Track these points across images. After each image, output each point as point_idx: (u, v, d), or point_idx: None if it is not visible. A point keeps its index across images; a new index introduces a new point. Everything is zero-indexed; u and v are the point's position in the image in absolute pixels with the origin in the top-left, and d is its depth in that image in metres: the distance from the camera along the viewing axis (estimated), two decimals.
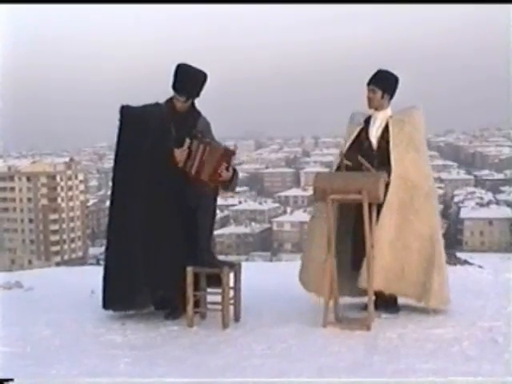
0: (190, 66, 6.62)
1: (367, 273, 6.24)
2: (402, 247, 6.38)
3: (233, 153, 6.68)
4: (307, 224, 7.24)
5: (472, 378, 4.89)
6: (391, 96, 6.67)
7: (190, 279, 6.37)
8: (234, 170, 6.72)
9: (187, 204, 6.56)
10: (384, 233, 6.36)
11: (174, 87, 6.62)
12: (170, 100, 6.70)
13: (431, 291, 6.47)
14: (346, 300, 6.76)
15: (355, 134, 6.67)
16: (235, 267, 6.61)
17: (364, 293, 6.51)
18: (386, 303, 6.58)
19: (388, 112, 6.65)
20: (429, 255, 6.45)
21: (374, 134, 6.62)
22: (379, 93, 6.59)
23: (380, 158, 6.48)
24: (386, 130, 6.57)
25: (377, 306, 6.45)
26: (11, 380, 4.89)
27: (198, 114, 6.80)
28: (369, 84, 6.63)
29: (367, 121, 6.70)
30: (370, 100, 6.65)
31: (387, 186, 6.32)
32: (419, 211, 6.42)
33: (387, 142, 6.50)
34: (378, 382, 4.94)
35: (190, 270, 6.37)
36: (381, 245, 6.34)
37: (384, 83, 6.61)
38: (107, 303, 6.71)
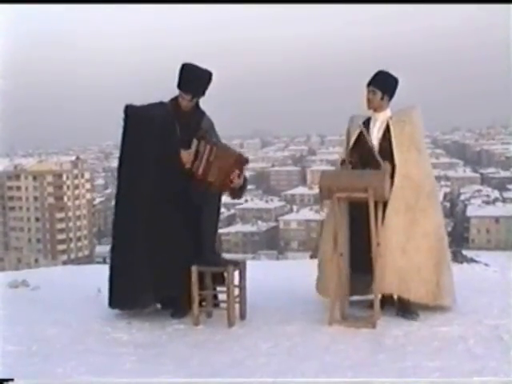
0: (195, 65, 6.63)
1: (376, 272, 6.24)
2: (414, 249, 6.35)
3: (246, 160, 6.69)
4: (321, 231, 7.19)
5: (477, 378, 4.89)
6: (391, 97, 6.66)
7: (194, 278, 6.38)
8: (245, 178, 6.73)
9: (192, 203, 6.57)
10: (393, 236, 6.33)
11: (180, 86, 6.64)
12: (175, 99, 6.72)
13: (444, 289, 6.48)
14: (351, 298, 6.74)
15: (355, 136, 6.66)
16: (240, 265, 6.62)
17: (361, 292, 6.63)
18: (404, 309, 6.53)
19: (388, 113, 6.64)
20: (437, 253, 6.45)
21: (376, 136, 6.61)
22: (379, 94, 6.58)
23: (382, 159, 6.47)
24: (386, 130, 6.56)
25: (383, 305, 6.46)
26: (11, 380, 4.90)
27: (202, 113, 6.81)
28: (369, 85, 6.62)
29: (367, 123, 6.69)
30: (369, 101, 6.64)
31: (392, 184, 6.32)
32: (425, 210, 6.41)
33: (389, 143, 6.50)
34: (383, 381, 4.94)
35: (194, 269, 6.38)
36: (391, 249, 6.31)
37: (384, 84, 6.59)
38: (114, 302, 6.71)
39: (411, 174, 6.41)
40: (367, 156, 6.53)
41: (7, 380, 4.90)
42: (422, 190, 6.43)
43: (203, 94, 6.73)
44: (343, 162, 6.66)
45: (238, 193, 6.77)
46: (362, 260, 6.42)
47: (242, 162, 6.62)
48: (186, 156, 6.54)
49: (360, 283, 6.60)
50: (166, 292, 6.60)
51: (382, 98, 6.59)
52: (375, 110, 6.65)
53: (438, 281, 6.42)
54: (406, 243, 6.35)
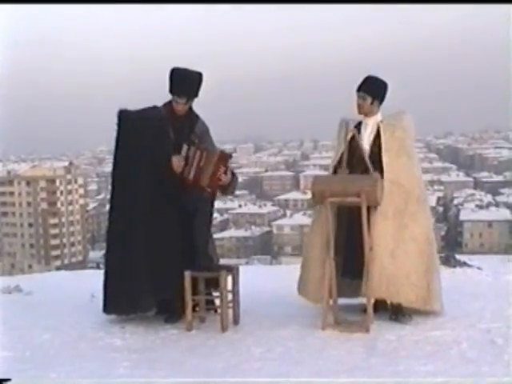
0: (184, 69, 6.66)
1: (366, 276, 6.25)
2: (403, 254, 6.35)
3: (229, 156, 6.70)
4: (307, 232, 7.20)
5: (470, 378, 4.90)
6: (381, 101, 6.68)
7: (187, 283, 6.38)
8: (233, 174, 6.74)
9: (184, 208, 6.57)
10: (381, 240, 6.34)
11: (172, 91, 6.64)
12: (169, 104, 6.72)
13: (434, 294, 6.48)
14: (344, 303, 6.75)
15: (348, 140, 6.67)
16: (233, 270, 6.63)
17: (353, 295, 6.66)
18: (397, 313, 6.54)
19: (378, 117, 6.65)
20: (427, 258, 6.45)
21: (367, 140, 6.62)
22: (369, 99, 6.59)
23: (373, 164, 6.48)
24: (377, 135, 6.58)
25: (376, 309, 6.47)
26: (9, 380, 4.90)
27: (197, 117, 6.82)
28: (358, 90, 6.63)
29: (358, 127, 6.71)
30: (359, 106, 6.65)
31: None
32: (414, 215, 6.42)
33: (379, 147, 6.51)
34: (377, 382, 4.95)
35: (187, 274, 6.38)
36: (379, 253, 6.32)
37: (373, 89, 6.60)
38: (109, 307, 6.69)
39: (400, 178, 6.41)
40: (359, 160, 6.55)
41: (5, 380, 4.90)
42: (411, 195, 6.44)
43: (196, 95, 6.74)
44: (335, 169, 6.67)
45: (228, 189, 6.78)
46: (351, 264, 6.44)
47: (225, 158, 6.63)
48: (176, 163, 6.54)
49: (347, 287, 6.63)
50: (162, 295, 6.60)
51: (371, 103, 6.61)
52: (366, 115, 6.66)
53: (429, 286, 6.42)
54: (395, 248, 6.36)
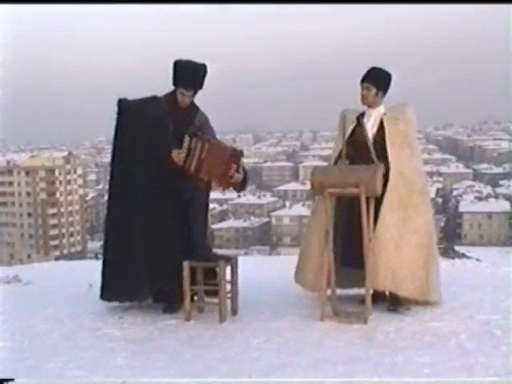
0: (189, 61, 6.62)
1: (366, 267, 6.25)
2: (405, 245, 6.35)
3: (241, 153, 6.65)
4: (306, 222, 7.20)
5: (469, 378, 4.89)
6: (385, 92, 6.66)
7: (186, 273, 6.38)
8: (245, 170, 6.72)
9: (181, 198, 6.56)
10: (387, 232, 6.34)
11: (179, 83, 6.59)
12: (171, 95, 6.69)
13: (432, 286, 6.49)
14: (343, 293, 6.76)
15: (350, 131, 6.67)
16: (231, 261, 6.62)
17: (353, 285, 6.71)
18: (396, 304, 6.53)
19: (382, 109, 6.64)
20: (427, 250, 6.46)
21: (370, 131, 6.61)
22: (373, 90, 6.58)
23: (376, 155, 6.48)
24: (380, 126, 6.57)
25: (374, 300, 6.47)
26: (11, 380, 4.89)
27: (197, 108, 6.80)
28: (362, 81, 6.62)
29: (361, 117, 6.69)
30: (363, 97, 6.64)
31: (385, 180, 6.33)
32: (416, 207, 6.42)
33: (382, 139, 6.50)
34: (373, 381, 4.94)
35: (186, 264, 6.38)
36: (385, 245, 6.32)
37: (378, 80, 6.59)
38: (106, 294, 6.72)
39: (404, 170, 6.42)
40: (361, 151, 6.54)
41: (7, 380, 4.88)
42: (414, 186, 6.44)
43: (201, 87, 6.73)
44: (336, 162, 6.67)
45: (241, 186, 6.78)
46: (352, 255, 6.43)
47: (237, 155, 6.59)
48: (177, 156, 6.52)
49: (347, 277, 6.62)
50: (160, 284, 6.61)
51: (376, 94, 6.60)
52: (369, 106, 6.65)
53: (427, 277, 6.43)
54: (399, 240, 6.36)
